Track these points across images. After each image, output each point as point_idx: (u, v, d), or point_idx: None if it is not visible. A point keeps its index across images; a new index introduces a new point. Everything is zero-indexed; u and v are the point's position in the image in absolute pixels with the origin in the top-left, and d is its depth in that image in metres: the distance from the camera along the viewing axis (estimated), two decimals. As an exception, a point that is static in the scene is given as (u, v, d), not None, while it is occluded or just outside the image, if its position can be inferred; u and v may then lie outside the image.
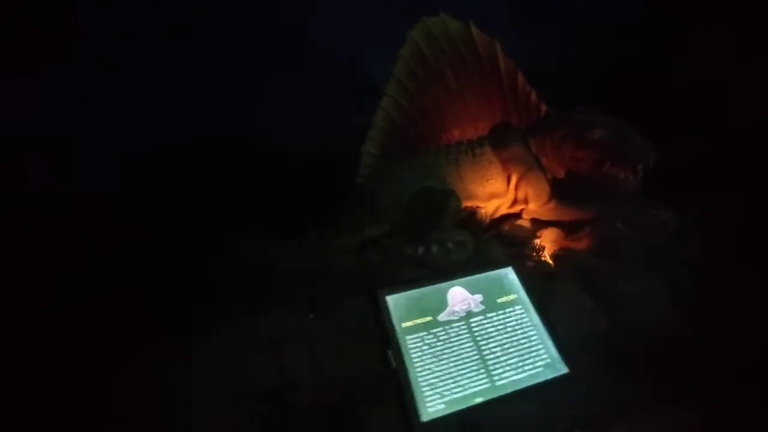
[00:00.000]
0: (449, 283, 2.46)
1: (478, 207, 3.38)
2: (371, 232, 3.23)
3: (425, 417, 2.01)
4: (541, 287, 2.43)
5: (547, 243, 2.99)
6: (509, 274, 2.52)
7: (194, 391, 2.35)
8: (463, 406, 2.05)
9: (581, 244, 2.81)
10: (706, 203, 2.83)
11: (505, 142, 3.41)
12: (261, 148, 4.69)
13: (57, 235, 3.58)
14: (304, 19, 4.78)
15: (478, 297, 2.42)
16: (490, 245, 2.93)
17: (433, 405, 2.05)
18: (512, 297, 2.41)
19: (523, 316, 2.35)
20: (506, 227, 3.35)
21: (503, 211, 3.47)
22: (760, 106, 3.72)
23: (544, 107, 3.44)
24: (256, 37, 4.84)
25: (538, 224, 3.30)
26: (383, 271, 2.83)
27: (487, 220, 3.41)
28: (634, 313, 2.31)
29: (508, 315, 2.34)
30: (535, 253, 2.82)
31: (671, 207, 2.75)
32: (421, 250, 2.76)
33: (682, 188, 2.95)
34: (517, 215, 3.45)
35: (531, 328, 2.31)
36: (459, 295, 2.43)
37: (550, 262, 2.73)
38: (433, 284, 2.46)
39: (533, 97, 3.43)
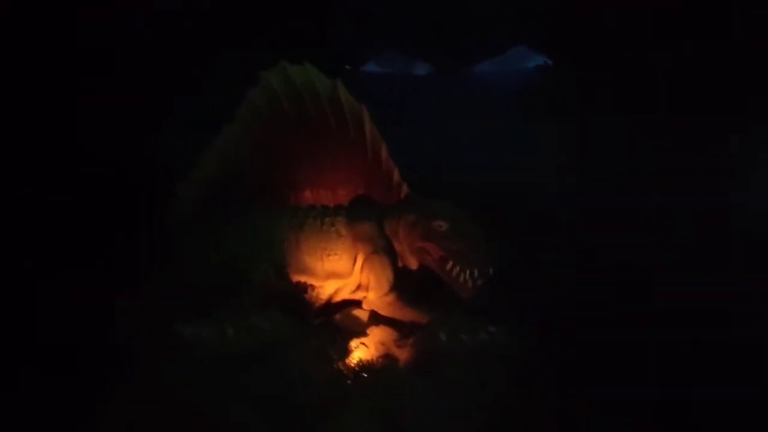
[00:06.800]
0: None
1: (311, 286, 2.85)
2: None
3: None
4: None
5: (372, 345, 2.46)
6: None
7: None
8: None
9: (404, 354, 2.31)
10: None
11: (359, 216, 2.98)
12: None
13: None
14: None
15: None
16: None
17: None
18: None
19: None
20: (338, 316, 2.82)
21: (344, 295, 2.94)
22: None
23: (405, 189, 3.12)
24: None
25: (377, 319, 2.80)
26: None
27: (319, 302, 2.85)
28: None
29: None
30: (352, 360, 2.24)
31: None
32: (189, 330, 2.08)
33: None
34: (358, 303, 2.95)
35: None
36: None
37: (363, 374, 2.16)
38: None
39: (396, 176, 3.10)
